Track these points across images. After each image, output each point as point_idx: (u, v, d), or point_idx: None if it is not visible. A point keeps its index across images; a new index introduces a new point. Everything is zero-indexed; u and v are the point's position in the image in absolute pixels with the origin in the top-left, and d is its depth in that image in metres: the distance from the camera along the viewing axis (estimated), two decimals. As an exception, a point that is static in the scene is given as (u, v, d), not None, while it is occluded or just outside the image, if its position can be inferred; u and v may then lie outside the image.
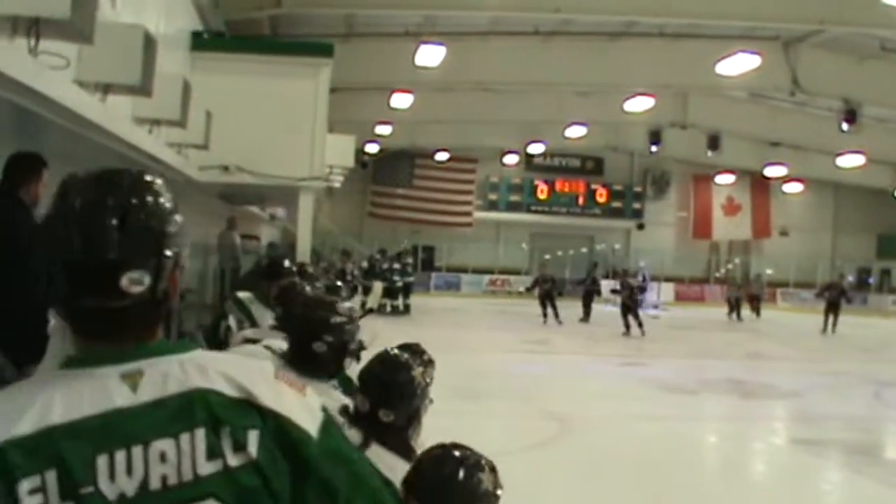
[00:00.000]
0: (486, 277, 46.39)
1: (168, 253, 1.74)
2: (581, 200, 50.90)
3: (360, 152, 34.02)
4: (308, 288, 6.79)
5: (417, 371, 3.78)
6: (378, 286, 27.49)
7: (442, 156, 46.84)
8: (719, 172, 49.88)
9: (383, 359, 3.88)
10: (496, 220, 49.82)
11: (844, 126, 28.46)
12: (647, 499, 9.68)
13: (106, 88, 8.30)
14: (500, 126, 40.35)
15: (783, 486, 11.32)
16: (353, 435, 3.37)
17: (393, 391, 3.66)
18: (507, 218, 49.89)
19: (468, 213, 49.13)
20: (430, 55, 23.65)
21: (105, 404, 1.65)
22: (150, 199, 1.74)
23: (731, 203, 52.44)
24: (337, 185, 25.14)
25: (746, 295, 38.39)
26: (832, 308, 32.17)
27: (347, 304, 5.19)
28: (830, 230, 53.46)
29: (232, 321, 7.04)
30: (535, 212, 50.25)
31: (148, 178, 1.79)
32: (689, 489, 10.37)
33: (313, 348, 4.17)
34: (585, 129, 38.40)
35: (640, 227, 51.38)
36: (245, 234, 22.88)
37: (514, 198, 50.22)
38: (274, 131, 15.96)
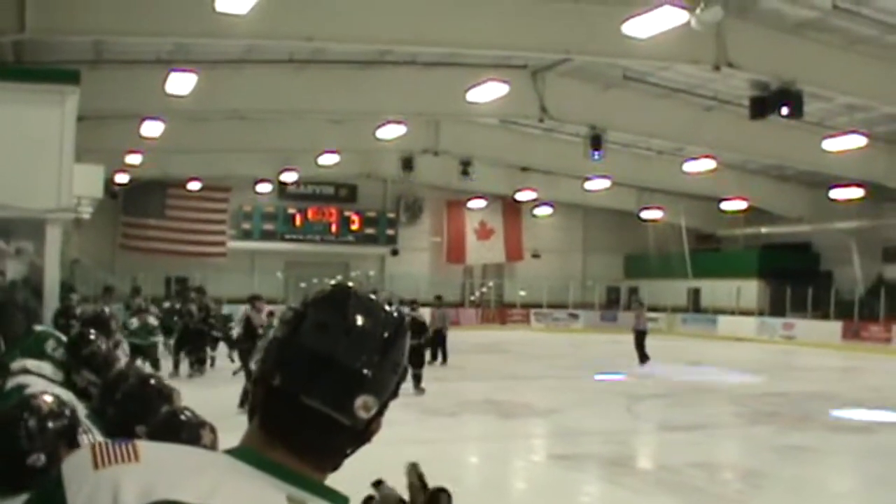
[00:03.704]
0: (242, 308, 45.72)
1: None
2: (335, 228, 50.87)
3: (109, 182, 33.06)
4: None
5: (208, 435, 3.69)
6: None
7: (194, 185, 45.94)
8: (471, 198, 50.83)
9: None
10: (250, 249, 49.19)
11: (595, 156, 29.49)
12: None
13: None
14: (253, 154, 39.96)
15: (545, 501, 11.62)
16: None
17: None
18: (261, 247, 49.36)
19: (222, 243, 48.35)
20: (180, 83, 23.22)
21: None
22: None
23: (484, 227, 53.49)
24: (86, 216, 24.39)
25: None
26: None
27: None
28: (580, 251, 55.26)
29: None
30: (290, 240, 49.93)
31: None
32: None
33: (136, 432, 3.99)
34: (338, 156, 38.52)
35: (395, 252, 51.73)
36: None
37: (268, 226, 49.77)
38: (18, 160, 15.32)
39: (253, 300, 20.19)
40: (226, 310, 26.79)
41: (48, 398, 3.62)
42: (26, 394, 3.88)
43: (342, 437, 1.68)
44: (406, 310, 23.43)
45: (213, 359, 23.87)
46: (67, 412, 3.56)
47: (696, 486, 11.89)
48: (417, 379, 20.75)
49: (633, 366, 28.20)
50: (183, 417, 3.76)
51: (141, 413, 4.07)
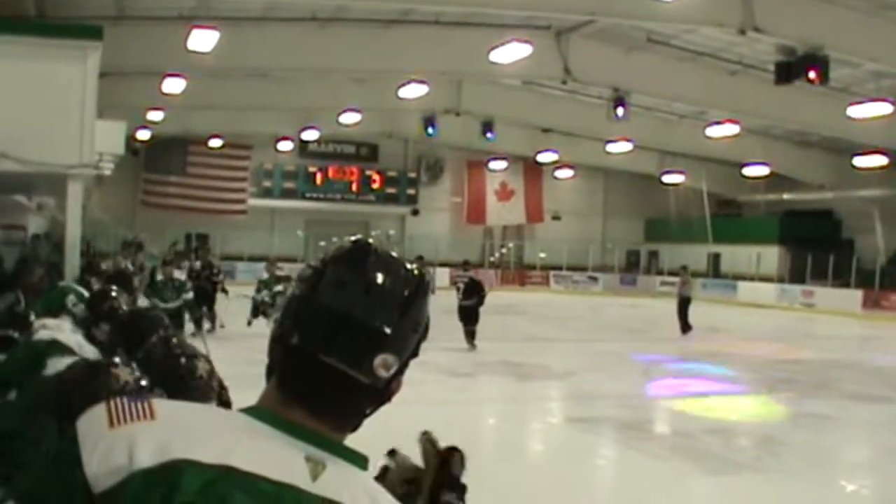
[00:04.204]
0: (262, 265, 45.73)
1: None
2: (355, 187, 50.90)
3: (130, 139, 33.08)
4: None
5: (203, 365, 3.71)
6: None
7: (215, 142, 45.94)
8: (493, 158, 50.74)
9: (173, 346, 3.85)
10: (271, 207, 49.30)
11: (620, 112, 29.28)
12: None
13: None
14: (275, 112, 39.92)
15: (561, 463, 11.66)
16: None
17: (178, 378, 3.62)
18: (281, 205, 49.45)
19: (242, 201, 48.45)
20: (202, 40, 23.14)
21: (285, 476, 1.55)
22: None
23: (505, 188, 53.43)
24: (107, 172, 24.35)
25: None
26: None
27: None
28: (601, 214, 55.23)
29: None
30: (310, 198, 49.97)
31: None
32: (469, 471, 10.49)
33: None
34: (360, 115, 38.43)
35: (415, 212, 51.76)
36: (9, 225, 22.04)
37: (289, 184, 49.84)
38: (40, 116, 15.31)
39: None
40: (244, 266, 25.28)
41: (126, 369, 3.66)
42: (100, 359, 3.93)
43: (361, 397, 1.68)
44: (460, 271, 24.80)
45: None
46: (142, 387, 3.60)
47: (712, 452, 11.90)
48: (472, 335, 21.83)
49: (648, 330, 28.17)
50: (178, 350, 3.80)
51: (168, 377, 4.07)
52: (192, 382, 3.63)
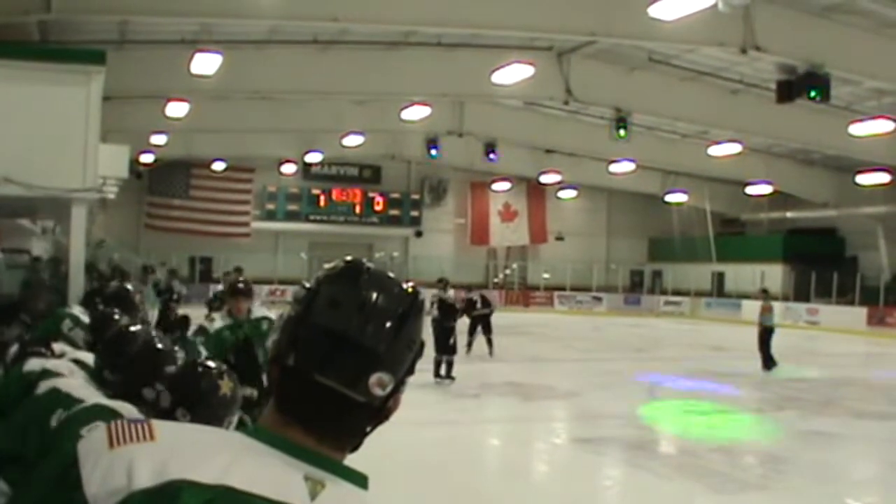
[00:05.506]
0: (266, 288, 45.82)
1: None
2: (359, 209, 50.96)
3: (134, 162, 33.14)
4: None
5: (227, 384, 3.67)
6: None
7: (219, 165, 46.06)
8: (496, 179, 50.81)
9: (196, 366, 3.80)
10: (274, 229, 49.42)
11: (622, 132, 29.30)
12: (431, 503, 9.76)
13: None
14: (278, 135, 40.00)
15: (566, 483, 11.63)
16: None
17: (195, 395, 3.58)
18: (285, 227, 49.56)
19: (246, 224, 48.56)
20: (205, 63, 23.23)
21: (283, 495, 1.56)
22: None
23: (508, 209, 53.48)
24: (111, 196, 24.41)
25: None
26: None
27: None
28: (604, 234, 55.30)
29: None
30: (314, 221, 50.03)
31: None
32: (473, 492, 10.50)
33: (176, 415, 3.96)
34: (363, 137, 38.51)
35: (419, 234, 51.80)
36: (12, 249, 22.02)
37: (292, 207, 49.91)
38: (44, 141, 15.34)
39: (443, 282, 21.27)
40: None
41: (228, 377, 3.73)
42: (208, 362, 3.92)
43: (359, 416, 1.69)
44: (469, 290, 26.58)
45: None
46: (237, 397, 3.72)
47: (717, 471, 11.86)
48: (490, 343, 24.81)
49: (652, 349, 28.04)
50: (201, 368, 3.76)
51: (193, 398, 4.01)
52: (216, 401, 3.61)
